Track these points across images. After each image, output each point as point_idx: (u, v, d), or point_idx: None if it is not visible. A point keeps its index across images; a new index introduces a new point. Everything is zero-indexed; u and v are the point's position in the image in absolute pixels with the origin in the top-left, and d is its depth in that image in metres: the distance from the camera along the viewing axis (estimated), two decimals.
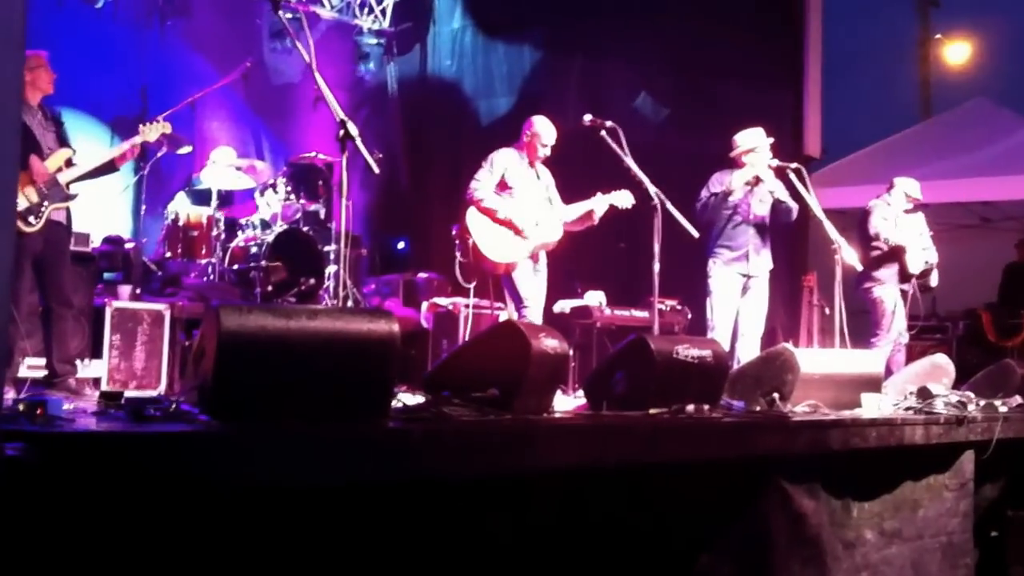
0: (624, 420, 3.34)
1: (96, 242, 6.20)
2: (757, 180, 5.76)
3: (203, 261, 6.68)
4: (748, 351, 5.59)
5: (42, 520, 1.96)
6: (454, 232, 5.52)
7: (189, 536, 2.19)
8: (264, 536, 2.33)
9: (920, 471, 4.27)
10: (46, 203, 4.67)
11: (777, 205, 5.83)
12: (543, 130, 5.49)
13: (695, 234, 5.35)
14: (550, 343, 3.23)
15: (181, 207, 6.71)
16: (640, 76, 8.68)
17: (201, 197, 6.93)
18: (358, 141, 3.78)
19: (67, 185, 4.80)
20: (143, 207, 6.85)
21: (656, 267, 5.13)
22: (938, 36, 14.48)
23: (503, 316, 5.66)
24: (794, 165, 5.72)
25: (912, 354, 6.76)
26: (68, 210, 4.87)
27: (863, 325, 6.55)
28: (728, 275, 5.77)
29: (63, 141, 4.92)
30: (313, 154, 7.28)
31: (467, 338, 5.88)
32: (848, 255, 5.69)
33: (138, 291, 6.11)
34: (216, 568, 2.25)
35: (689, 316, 7.04)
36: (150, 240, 7.08)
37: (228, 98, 8.11)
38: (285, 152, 8.45)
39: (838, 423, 3.77)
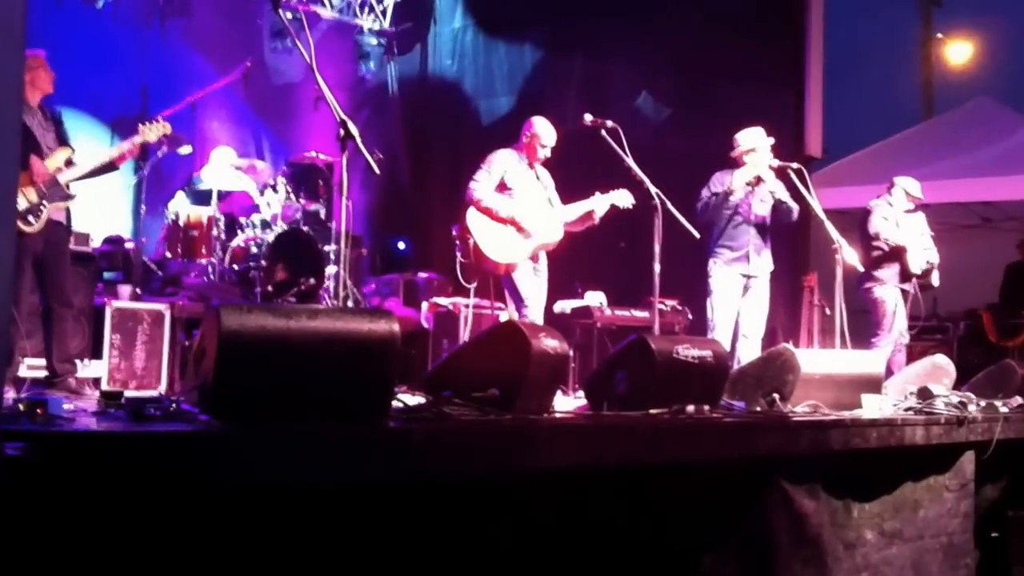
0: (625, 420, 3.33)
1: (96, 242, 6.21)
2: (758, 180, 5.75)
3: (203, 261, 6.67)
4: (749, 351, 5.59)
5: (42, 520, 1.96)
6: (454, 233, 5.52)
7: (189, 536, 2.18)
8: (264, 536, 2.33)
9: (921, 471, 4.27)
10: (46, 203, 4.67)
11: (778, 205, 5.82)
12: (543, 131, 5.49)
13: (696, 234, 5.35)
14: (550, 343, 3.22)
15: (181, 207, 6.71)
16: (641, 76, 8.67)
17: (201, 197, 6.93)
18: (358, 141, 3.77)
19: (67, 185, 4.80)
20: (143, 207, 6.85)
21: (656, 267, 5.13)
22: (939, 36, 14.47)
23: (503, 316, 5.65)
24: (795, 165, 5.72)
25: (913, 354, 6.75)
26: (68, 210, 4.87)
27: (864, 325, 6.54)
28: (729, 275, 5.76)
29: (63, 141, 4.91)
30: (313, 154, 7.28)
31: (467, 338, 5.87)
32: (849, 255, 5.69)
33: (138, 291, 6.11)
34: (216, 568, 2.25)
35: (689, 316, 7.03)
36: (150, 240, 7.08)
37: (228, 98, 8.10)
38: (285, 152, 8.45)
39: (839, 423, 3.76)
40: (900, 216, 6.74)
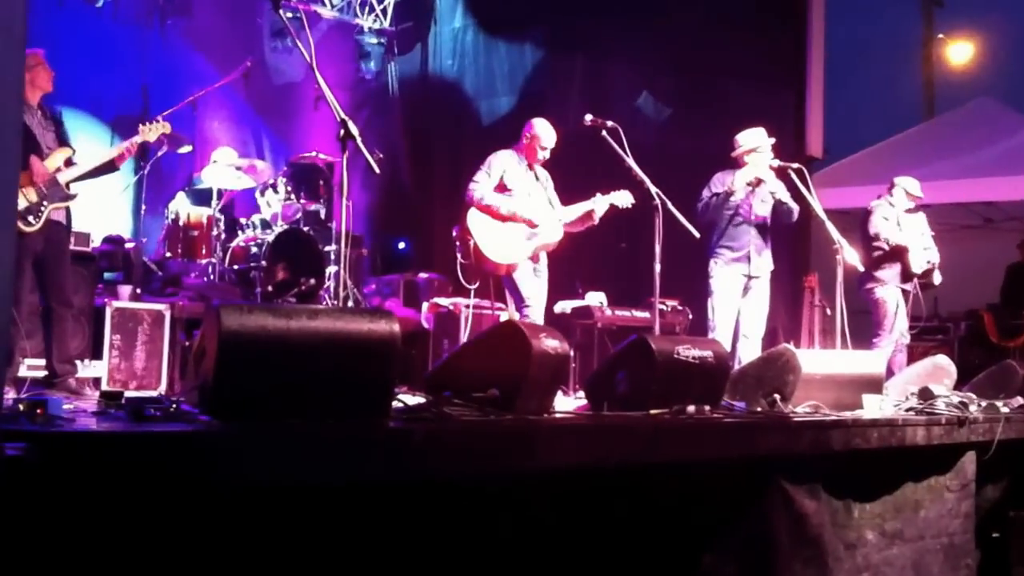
0: (625, 420, 3.33)
1: (96, 242, 6.21)
2: (759, 181, 5.75)
3: (203, 261, 6.68)
4: (749, 351, 5.58)
5: (42, 520, 1.96)
6: (455, 234, 5.52)
7: (189, 536, 2.18)
8: (265, 536, 2.33)
9: (921, 472, 4.26)
10: (46, 203, 4.67)
11: (778, 206, 5.82)
12: (543, 132, 5.49)
13: (696, 234, 5.35)
14: (551, 343, 3.22)
15: (181, 207, 6.71)
16: (642, 76, 8.67)
17: (201, 197, 6.93)
18: (359, 141, 3.77)
19: (67, 185, 4.79)
20: (143, 207, 6.86)
21: (657, 267, 5.13)
22: (941, 36, 14.46)
23: (504, 316, 5.65)
24: (795, 165, 5.71)
25: (914, 355, 6.74)
26: (68, 210, 4.87)
27: (864, 325, 6.54)
28: (729, 275, 5.76)
29: (63, 140, 4.91)
30: (314, 154, 7.28)
31: (468, 338, 5.87)
32: (849, 255, 5.68)
33: (138, 291, 6.11)
34: (216, 568, 2.24)
35: (690, 316, 7.03)
36: (150, 240, 7.08)
37: (229, 97, 8.11)
38: (286, 152, 8.46)
39: (839, 424, 3.76)
40: (901, 216, 6.73)
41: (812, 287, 7.43)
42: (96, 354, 5.43)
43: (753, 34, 8.25)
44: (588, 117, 5.24)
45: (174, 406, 2.53)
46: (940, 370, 4.99)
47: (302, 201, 6.99)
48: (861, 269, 6.13)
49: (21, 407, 2.39)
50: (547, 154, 5.52)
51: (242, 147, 8.13)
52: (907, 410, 4.27)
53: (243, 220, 6.96)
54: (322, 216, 7.16)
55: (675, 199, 5.26)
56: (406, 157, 9.36)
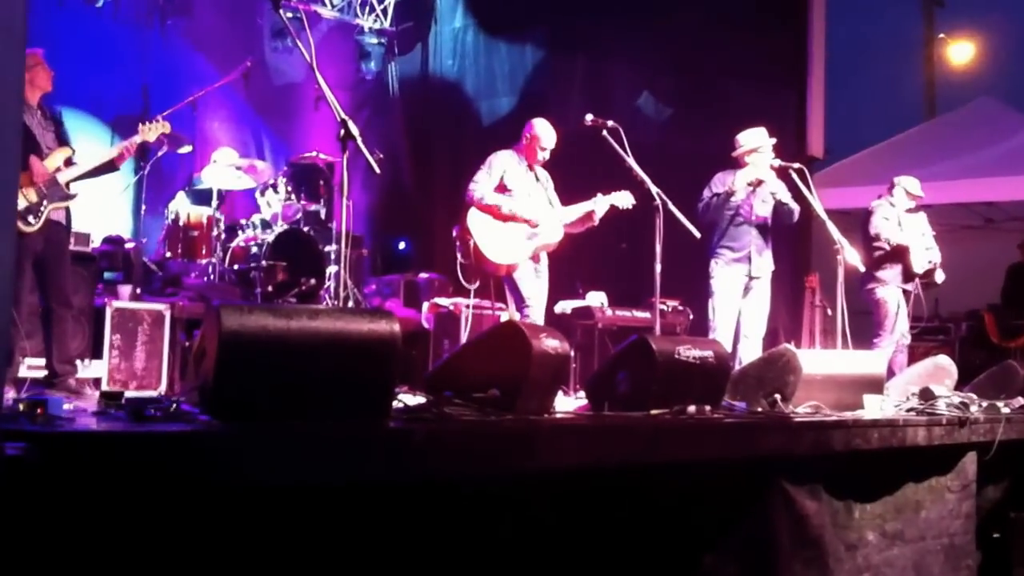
0: (625, 421, 3.33)
1: (96, 242, 6.20)
2: (759, 182, 5.75)
3: (203, 261, 6.68)
4: (750, 352, 5.58)
5: (42, 520, 1.96)
6: (455, 233, 5.51)
7: (190, 536, 2.18)
8: (265, 537, 2.32)
9: (922, 472, 4.25)
10: (45, 203, 4.66)
11: (779, 206, 5.81)
12: (543, 133, 5.48)
13: (697, 234, 5.34)
14: (551, 343, 3.22)
15: (181, 207, 6.71)
16: (642, 76, 8.67)
17: (201, 197, 6.93)
18: (359, 141, 3.77)
19: (67, 184, 4.79)
20: (143, 207, 6.86)
21: (658, 268, 5.12)
22: (942, 36, 14.45)
23: (504, 317, 5.65)
24: (796, 165, 5.71)
25: (914, 355, 6.73)
26: (68, 210, 4.86)
27: (865, 326, 6.53)
28: (730, 276, 5.75)
29: (62, 140, 4.91)
30: (314, 154, 7.28)
31: (468, 339, 5.86)
32: (850, 256, 5.68)
33: (138, 291, 6.10)
34: (216, 568, 2.24)
35: (691, 317, 7.02)
36: (150, 240, 7.08)
37: (229, 97, 8.10)
38: (286, 152, 8.46)
39: (840, 424, 3.75)
40: (902, 216, 6.73)
41: (813, 287, 7.42)
42: (96, 354, 5.43)
43: (754, 34, 8.25)
44: (589, 117, 5.24)
45: (174, 406, 2.52)
46: (941, 370, 4.98)
47: (302, 201, 6.99)
48: (862, 269, 6.12)
49: (21, 407, 2.39)
50: (547, 154, 5.51)
51: (242, 147, 8.12)
52: (908, 410, 4.27)
53: (243, 220, 6.96)
54: (322, 216, 7.16)
55: (676, 199, 5.26)
56: (406, 157, 9.36)
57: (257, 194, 7.06)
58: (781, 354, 4.10)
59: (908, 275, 6.60)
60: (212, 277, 6.67)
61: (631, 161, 5.18)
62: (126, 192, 7.17)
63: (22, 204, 4.53)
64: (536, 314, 5.38)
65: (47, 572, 1.98)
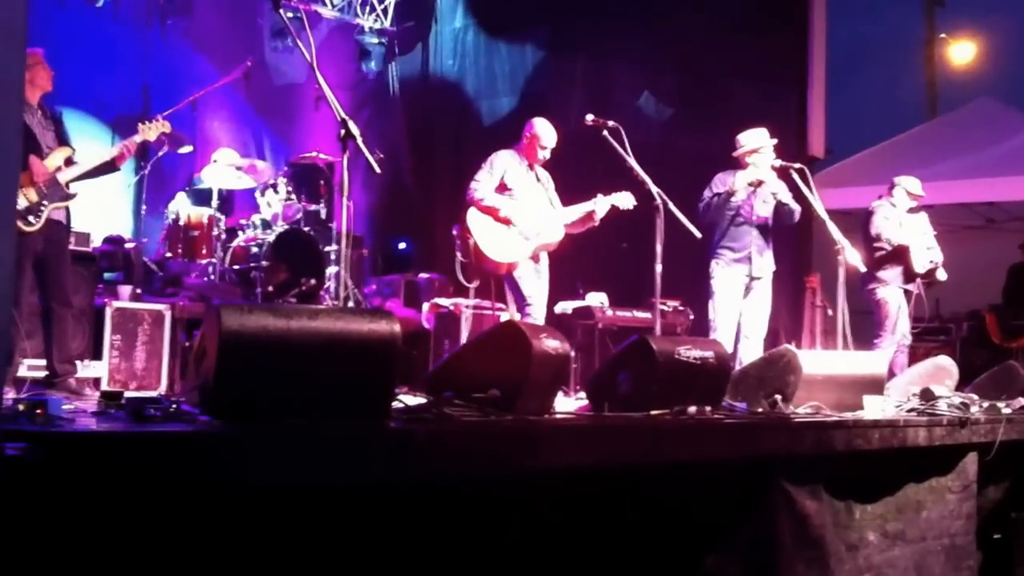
0: (626, 421, 3.32)
1: (97, 242, 6.20)
2: (759, 182, 5.74)
3: (204, 261, 6.67)
4: (751, 352, 5.57)
5: (42, 520, 1.95)
6: (455, 232, 5.51)
7: (190, 537, 2.18)
8: (265, 537, 2.32)
9: (923, 473, 4.25)
10: (46, 202, 4.66)
11: (780, 207, 5.81)
12: (543, 132, 5.48)
13: (697, 234, 5.34)
14: (552, 344, 3.21)
15: (182, 207, 6.70)
16: (643, 76, 8.67)
17: (202, 197, 6.92)
18: (359, 141, 3.76)
19: (67, 184, 4.78)
20: (144, 207, 6.85)
21: (658, 268, 5.12)
22: (943, 36, 14.44)
23: (504, 317, 5.64)
24: (797, 165, 5.71)
25: (915, 355, 6.73)
26: (68, 209, 4.86)
27: (866, 326, 6.53)
28: (731, 276, 5.75)
29: (62, 140, 4.90)
30: (314, 154, 7.27)
31: (468, 339, 5.86)
32: (851, 256, 5.67)
33: (139, 291, 6.10)
34: (217, 568, 2.24)
35: (691, 317, 7.02)
36: (151, 240, 7.07)
37: (229, 97, 8.10)
38: (287, 152, 8.45)
39: (841, 424, 3.75)
40: (903, 216, 6.72)
41: (814, 288, 7.42)
42: (96, 354, 5.43)
43: (754, 34, 8.25)
44: (589, 117, 5.23)
45: (174, 406, 2.52)
46: (942, 371, 4.98)
47: (303, 201, 6.98)
48: (863, 269, 6.12)
49: (21, 407, 2.39)
50: (547, 153, 5.51)
51: (242, 147, 8.12)
52: (909, 411, 4.26)
53: (243, 220, 6.95)
54: (323, 216, 7.16)
55: (677, 199, 5.25)
56: (407, 157, 9.35)
57: (257, 194, 7.06)
58: (782, 354, 4.10)
59: (909, 275, 6.59)
60: (212, 277, 6.66)
61: (632, 161, 5.17)
62: (126, 192, 7.17)
63: (23, 204, 4.53)
64: (538, 313, 5.38)
65: (47, 572, 1.97)
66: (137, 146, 5.10)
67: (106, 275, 6.23)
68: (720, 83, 8.34)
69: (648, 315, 6.60)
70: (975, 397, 4.55)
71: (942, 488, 4.32)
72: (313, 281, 6.56)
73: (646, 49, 8.43)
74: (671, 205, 5.17)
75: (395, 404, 2.80)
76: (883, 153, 10.03)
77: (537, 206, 5.46)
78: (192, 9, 8.34)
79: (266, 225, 6.83)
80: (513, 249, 5.37)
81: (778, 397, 3.89)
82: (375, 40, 9.42)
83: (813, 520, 3.66)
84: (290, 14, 4.66)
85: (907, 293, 6.63)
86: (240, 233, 6.82)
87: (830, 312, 6.15)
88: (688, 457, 3.21)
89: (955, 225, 9.49)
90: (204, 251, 6.64)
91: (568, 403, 4.23)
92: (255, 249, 6.60)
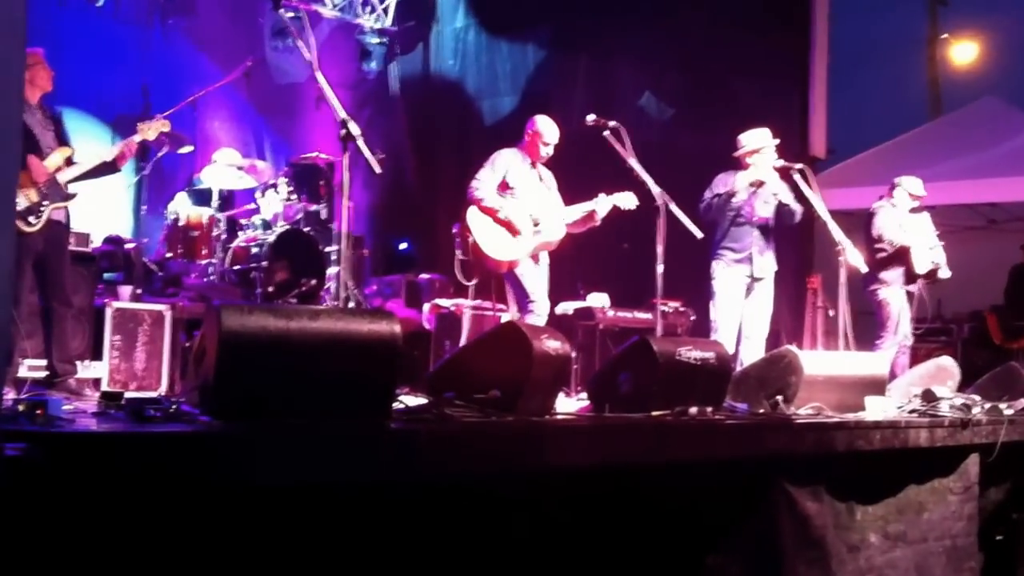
0: (627, 422, 3.32)
1: (96, 242, 6.19)
2: (760, 183, 5.73)
3: (204, 261, 6.67)
4: (752, 353, 5.56)
5: (42, 520, 1.95)
6: (455, 230, 5.50)
7: (190, 537, 2.17)
8: (265, 537, 2.32)
9: (924, 474, 4.24)
10: (46, 203, 4.65)
11: (781, 207, 5.80)
12: (545, 129, 5.47)
13: (698, 234, 5.33)
14: (552, 344, 3.21)
15: (182, 207, 6.70)
16: (645, 75, 8.66)
17: (202, 197, 6.92)
18: (360, 141, 3.76)
19: (67, 184, 4.78)
20: (144, 207, 6.86)
21: (659, 268, 5.11)
22: (945, 36, 14.43)
23: (506, 317, 5.64)
24: (798, 166, 5.70)
25: (917, 356, 6.72)
26: (68, 209, 4.85)
27: (867, 327, 6.52)
28: (732, 276, 5.74)
29: (62, 140, 4.89)
30: (315, 154, 7.26)
31: (469, 340, 5.85)
32: (853, 256, 5.67)
33: (139, 291, 6.09)
34: (217, 569, 2.23)
35: (692, 318, 7.01)
36: (151, 240, 7.07)
37: (230, 97, 8.10)
38: (287, 151, 8.45)
39: (842, 425, 3.74)
40: (904, 216, 6.71)
41: (815, 288, 7.41)
42: (96, 355, 5.42)
43: (757, 33, 8.24)
44: (590, 117, 5.23)
45: (174, 407, 2.52)
46: (943, 372, 4.98)
47: (303, 201, 6.98)
48: (864, 270, 6.11)
49: (21, 407, 2.38)
50: (550, 150, 5.49)
51: (243, 147, 8.12)
52: (910, 412, 4.26)
53: (244, 220, 6.95)
54: (323, 216, 7.15)
55: (679, 198, 5.24)
56: (408, 157, 9.35)
57: (258, 194, 7.05)
58: (783, 355, 4.10)
59: (911, 276, 6.58)
60: (212, 277, 6.66)
61: (633, 161, 5.17)
62: (126, 192, 7.16)
63: (23, 204, 4.52)
64: (541, 309, 5.36)
65: (47, 573, 1.97)
66: (137, 146, 5.09)
67: (106, 275, 6.22)
68: (722, 82, 8.33)
69: (649, 316, 6.59)
70: (977, 398, 4.54)
71: (944, 489, 4.31)
72: (313, 281, 6.55)
73: (648, 48, 8.42)
74: (672, 205, 5.16)
75: (396, 405, 2.79)
76: (885, 153, 10.01)
77: (538, 205, 5.45)
78: (193, 8, 8.34)
79: (266, 225, 6.83)
80: (513, 248, 5.36)
81: (779, 398, 3.89)
82: (376, 40, 9.41)
83: (814, 521, 3.65)
84: (291, 14, 4.65)
85: (909, 294, 6.63)
86: (240, 233, 6.82)
87: (831, 313, 6.16)
88: (689, 458, 3.20)
89: (957, 226, 9.47)
90: (204, 251, 6.64)
91: (569, 404, 4.23)
92: (255, 249, 6.59)
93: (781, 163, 5.72)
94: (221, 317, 2.41)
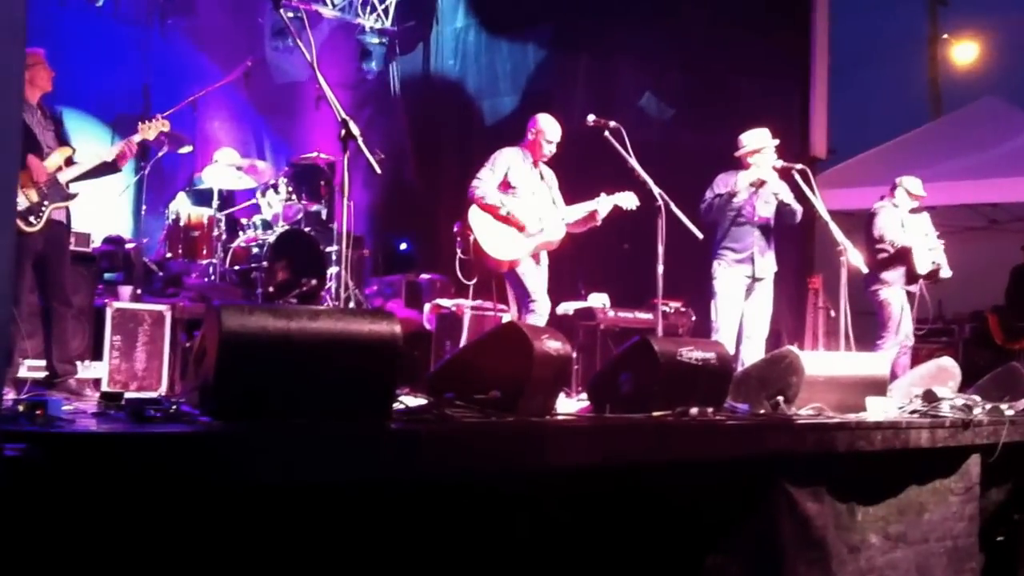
0: (628, 422, 3.31)
1: (97, 242, 6.19)
2: (761, 183, 5.73)
3: (204, 261, 6.66)
4: (753, 353, 5.56)
5: (42, 520, 1.95)
6: (456, 229, 5.49)
7: (190, 537, 2.17)
8: (265, 537, 2.31)
9: (925, 475, 4.24)
10: (47, 203, 4.65)
11: (782, 207, 5.80)
12: (548, 128, 5.46)
13: (699, 234, 5.33)
14: (553, 345, 3.21)
15: (182, 207, 6.69)
16: (646, 74, 8.66)
17: (202, 197, 6.92)
18: (360, 141, 3.75)
19: (67, 184, 4.77)
20: (144, 207, 6.85)
21: (660, 269, 5.11)
22: (945, 36, 14.42)
23: (506, 318, 5.63)
24: (799, 166, 5.70)
25: (918, 357, 6.72)
26: (68, 209, 4.84)
27: (868, 327, 6.51)
28: (733, 277, 5.73)
29: (62, 140, 4.89)
30: (315, 154, 7.26)
31: (469, 340, 5.85)
32: (854, 257, 5.66)
33: (139, 291, 6.09)
34: (218, 569, 2.23)
35: (693, 318, 7.01)
36: (151, 240, 7.07)
37: (230, 97, 8.10)
38: (287, 151, 8.45)
39: (843, 426, 3.74)
40: (905, 217, 6.71)
41: (816, 288, 7.41)
42: (96, 355, 5.42)
43: (757, 34, 8.24)
44: (591, 118, 5.22)
45: (174, 407, 2.52)
46: (945, 372, 4.97)
47: (303, 201, 6.98)
48: (865, 270, 6.10)
49: (21, 408, 2.38)
50: (553, 148, 5.49)
51: (243, 147, 8.12)
52: (911, 412, 4.25)
53: (244, 220, 6.95)
54: (323, 216, 7.15)
55: (680, 198, 5.24)
56: (408, 157, 9.35)
57: (258, 194, 7.05)
58: (784, 355, 4.09)
59: (912, 276, 6.58)
60: (213, 277, 6.65)
61: (633, 161, 5.16)
62: (126, 192, 7.16)
63: (24, 204, 4.52)
64: (542, 308, 5.35)
65: (48, 573, 1.97)
66: (137, 146, 5.08)
67: (106, 275, 6.22)
68: (723, 82, 8.32)
69: (650, 316, 6.58)
70: (978, 399, 4.53)
71: (944, 490, 4.31)
72: (314, 281, 6.55)
73: (649, 48, 8.42)
74: (672, 206, 5.16)
75: (396, 405, 2.79)
76: (886, 153, 10.00)
77: (539, 204, 5.45)
78: (193, 8, 8.34)
79: (267, 225, 6.82)
80: (514, 247, 5.35)
81: (780, 398, 3.89)
82: (376, 40, 9.41)
83: (815, 521, 3.65)
84: (291, 14, 4.66)
85: (910, 294, 6.62)
86: (240, 233, 6.81)
87: (832, 313, 6.15)
88: (689, 458, 3.20)
89: (958, 226, 9.46)
90: (204, 251, 6.63)
91: (570, 404, 4.22)
92: (256, 249, 6.59)
93: (781, 163, 5.72)
94: (221, 317, 2.41)
